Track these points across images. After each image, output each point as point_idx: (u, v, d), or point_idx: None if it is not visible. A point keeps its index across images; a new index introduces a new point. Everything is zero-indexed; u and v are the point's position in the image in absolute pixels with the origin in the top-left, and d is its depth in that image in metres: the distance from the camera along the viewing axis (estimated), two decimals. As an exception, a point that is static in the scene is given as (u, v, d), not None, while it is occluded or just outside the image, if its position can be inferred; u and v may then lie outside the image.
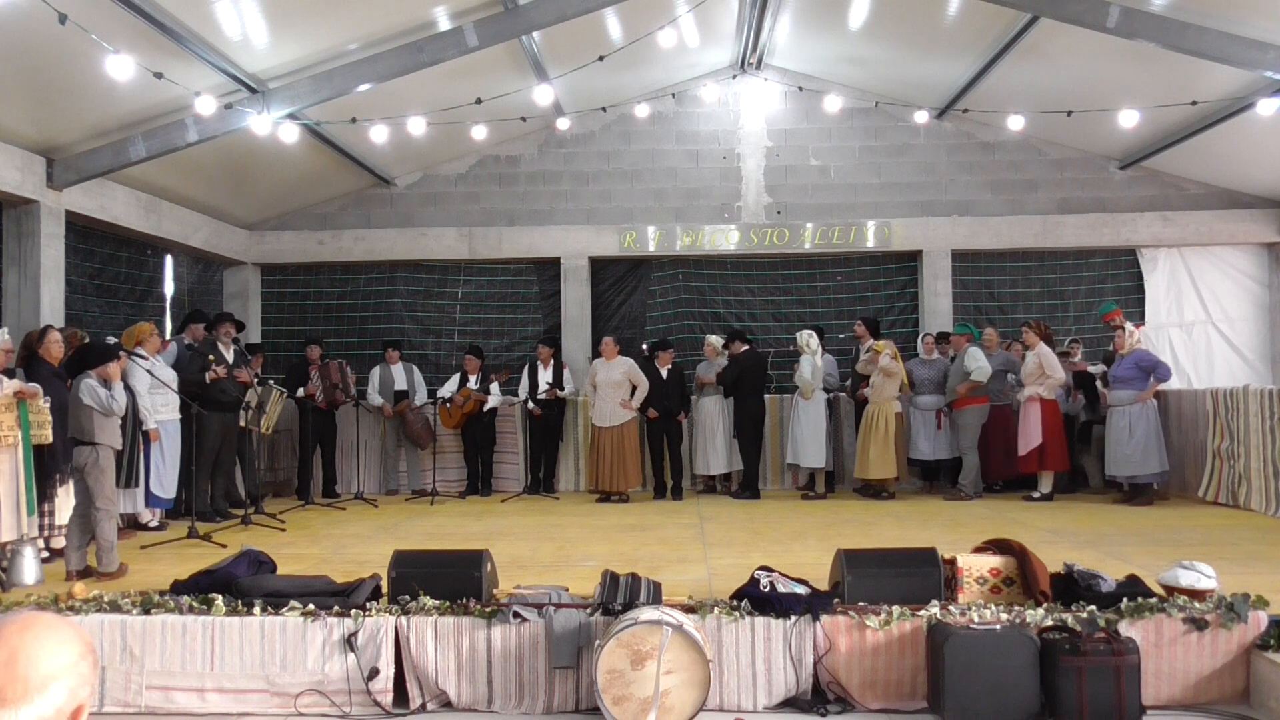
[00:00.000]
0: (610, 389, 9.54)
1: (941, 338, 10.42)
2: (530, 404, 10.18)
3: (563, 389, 10.27)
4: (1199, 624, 4.26)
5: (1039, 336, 9.19)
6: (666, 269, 11.91)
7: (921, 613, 4.34)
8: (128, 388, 6.72)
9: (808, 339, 9.67)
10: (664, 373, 9.85)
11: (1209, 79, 8.64)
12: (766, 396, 10.41)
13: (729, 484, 10.14)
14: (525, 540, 7.10)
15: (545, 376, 10.23)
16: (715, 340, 10.19)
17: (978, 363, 9.23)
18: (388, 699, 4.36)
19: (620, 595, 4.40)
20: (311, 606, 4.49)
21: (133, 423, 6.97)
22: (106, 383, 6.00)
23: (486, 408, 10.19)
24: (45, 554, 6.27)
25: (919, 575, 4.58)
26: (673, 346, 10.20)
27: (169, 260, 10.50)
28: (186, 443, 7.92)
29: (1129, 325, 9.13)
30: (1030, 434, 9.05)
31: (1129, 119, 8.87)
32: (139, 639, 4.44)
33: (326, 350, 10.49)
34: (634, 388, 9.57)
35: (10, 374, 6.13)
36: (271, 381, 9.43)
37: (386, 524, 8.16)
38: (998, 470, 9.53)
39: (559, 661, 4.29)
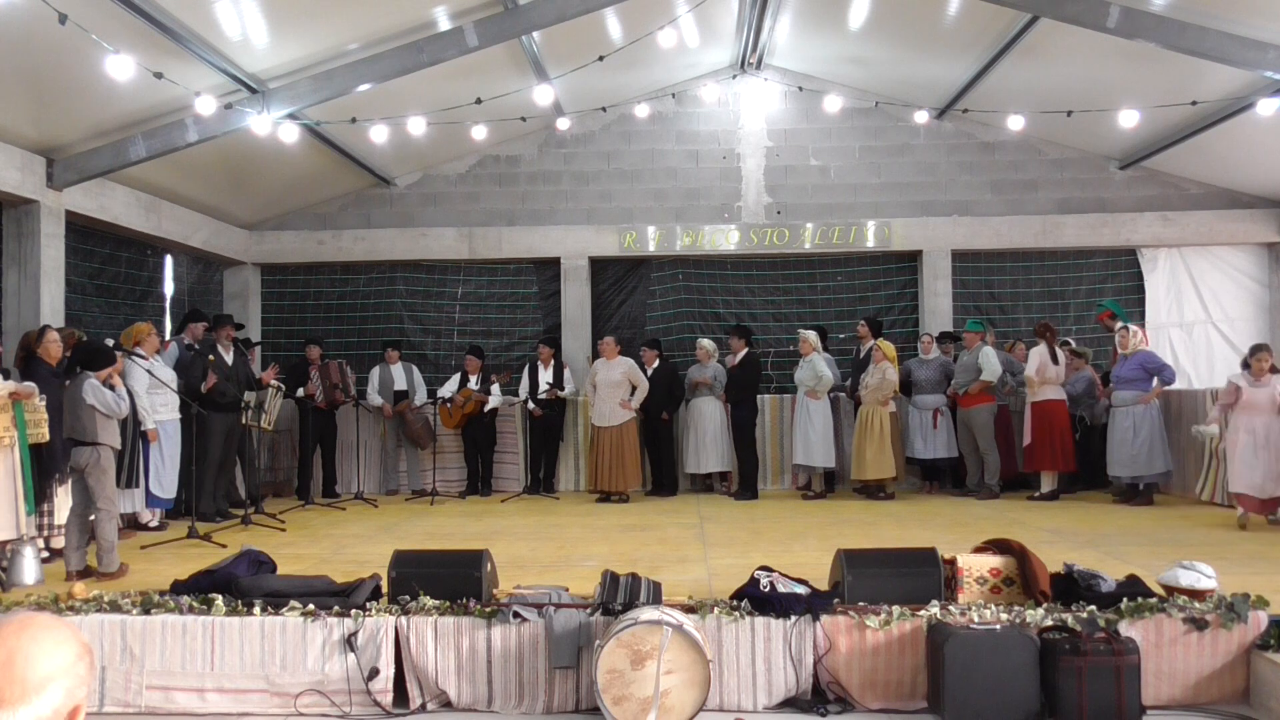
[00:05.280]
0: (610, 389, 9.55)
1: (945, 337, 10.45)
2: (530, 404, 10.18)
3: (563, 389, 10.27)
4: (1199, 624, 4.26)
5: (1047, 337, 9.22)
6: (666, 269, 11.91)
7: (921, 613, 4.34)
8: (126, 387, 6.71)
9: (817, 339, 9.69)
10: (648, 371, 9.86)
11: (1209, 79, 8.64)
12: (766, 396, 10.44)
13: (727, 484, 10.14)
14: (525, 540, 7.10)
15: (545, 376, 10.24)
16: (708, 344, 10.17)
17: (990, 363, 9.26)
18: (388, 699, 4.36)
19: (620, 595, 4.40)
20: (311, 606, 4.49)
21: (132, 423, 6.97)
22: (110, 385, 6.00)
23: (487, 408, 10.20)
24: (45, 554, 6.27)
25: (919, 575, 4.59)
26: (659, 346, 10.22)
27: (169, 260, 10.49)
28: (186, 443, 7.92)
29: (1132, 325, 9.13)
30: (1034, 434, 9.11)
31: (1129, 119, 8.86)
32: (139, 639, 4.44)
33: (326, 350, 10.49)
34: (634, 388, 9.59)
35: (6, 374, 6.13)
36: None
37: (386, 524, 8.16)
38: (1000, 470, 9.52)
39: (559, 661, 4.29)
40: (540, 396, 10.13)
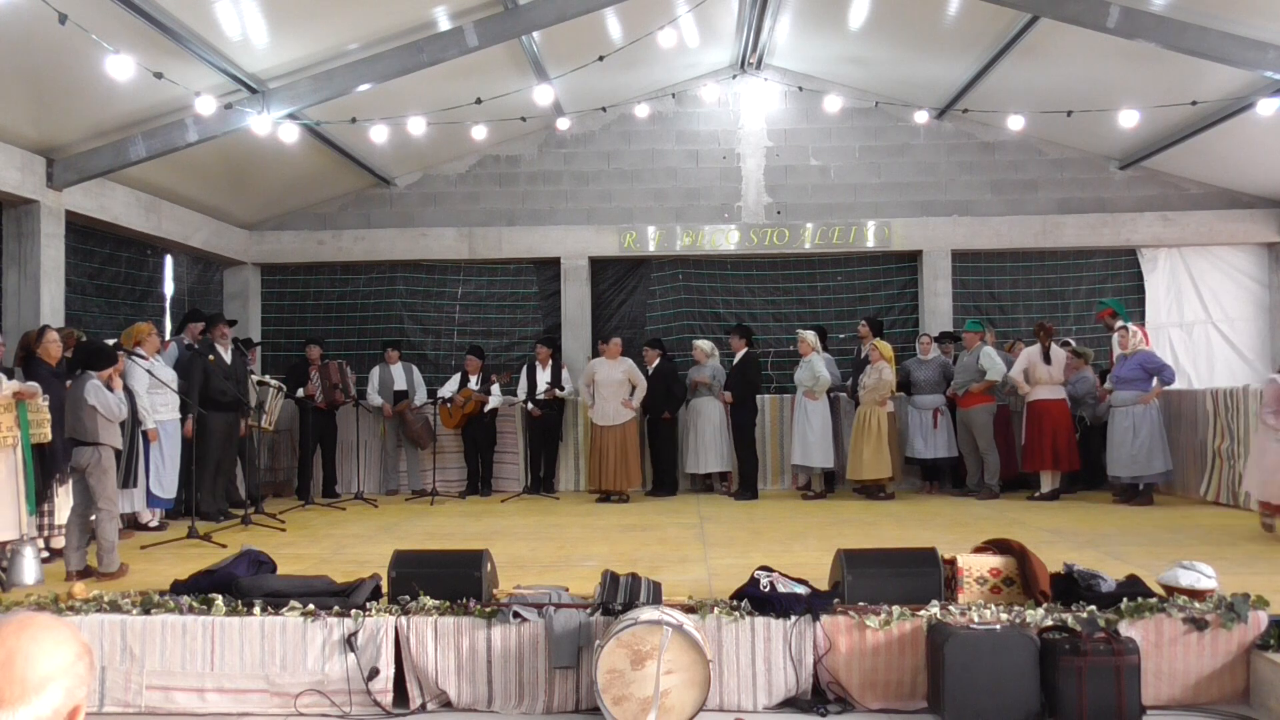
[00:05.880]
0: (612, 388, 9.55)
1: (945, 337, 10.45)
2: (529, 405, 10.17)
3: (562, 389, 10.27)
4: (1199, 624, 4.26)
5: (1041, 336, 9.25)
6: (666, 269, 11.91)
7: (921, 613, 4.34)
8: (126, 388, 6.71)
9: (816, 339, 9.69)
10: (648, 370, 9.88)
11: (1209, 79, 8.64)
12: (766, 396, 10.45)
13: (727, 484, 10.14)
14: (525, 540, 7.10)
15: (544, 377, 10.23)
16: (704, 344, 10.16)
17: (994, 362, 9.27)
18: (388, 699, 4.36)
19: (620, 595, 4.39)
20: (311, 606, 4.49)
21: (131, 423, 6.96)
22: (110, 386, 6.00)
23: (487, 408, 10.20)
24: (45, 554, 6.27)
25: (919, 575, 4.59)
26: (662, 345, 10.22)
27: (169, 260, 10.50)
28: (186, 443, 7.92)
29: (1132, 325, 9.13)
30: (1028, 433, 9.11)
31: (1129, 119, 8.86)
32: (139, 639, 4.44)
33: (326, 350, 10.49)
34: (634, 387, 9.61)
35: (10, 374, 6.14)
36: (269, 378, 9.46)
37: (386, 524, 8.16)
38: (1000, 470, 9.52)
39: (559, 661, 4.29)
40: (539, 397, 10.13)
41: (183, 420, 7.93)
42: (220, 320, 8.90)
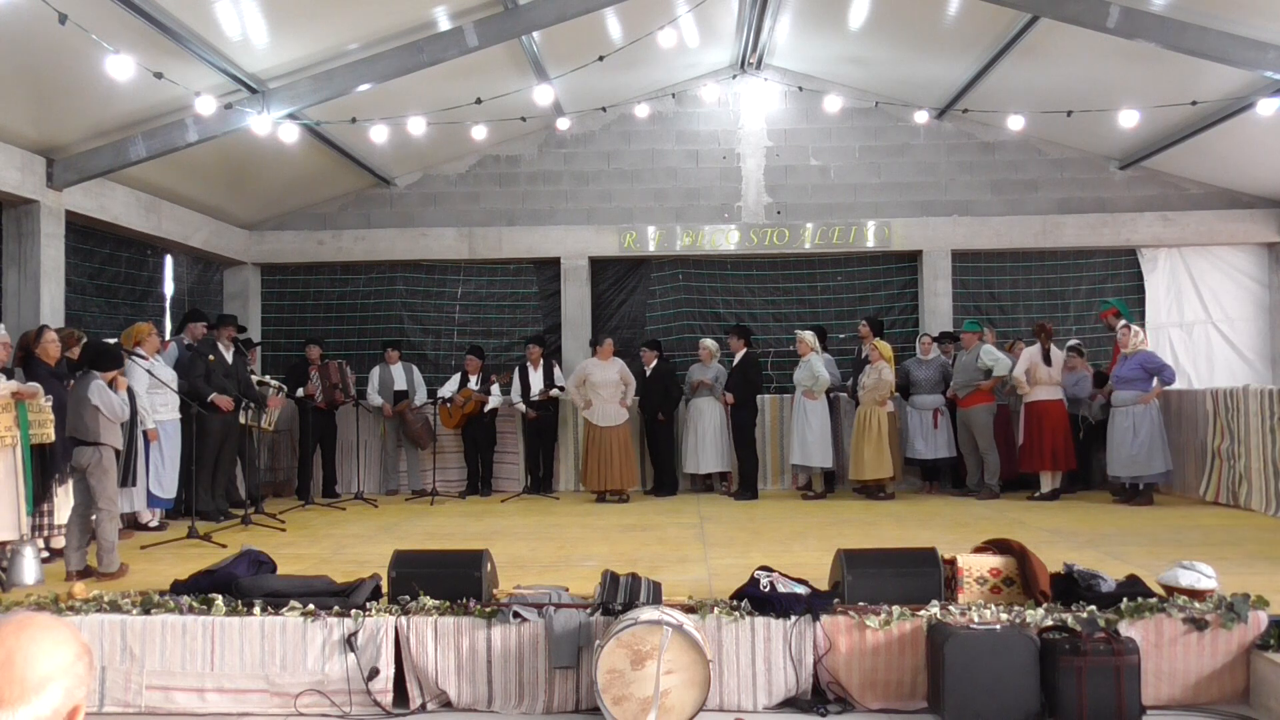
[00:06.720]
0: (609, 389, 9.56)
1: (945, 337, 10.44)
2: (523, 407, 10.16)
3: (561, 389, 10.27)
4: (1199, 624, 4.26)
5: (1041, 337, 9.26)
6: (666, 269, 11.91)
7: (921, 613, 4.34)
8: (128, 388, 6.71)
9: (814, 339, 9.69)
10: (646, 371, 9.87)
11: (1209, 79, 8.63)
12: (766, 396, 10.44)
13: (727, 484, 10.14)
14: (525, 540, 7.10)
15: (536, 377, 10.22)
16: (710, 344, 10.17)
17: (996, 358, 9.28)
18: (388, 699, 4.36)
19: (620, 595, 4.40)
20: (311, 606, 4.49)
21: (131, 422, 6.96)
22: (113, 387, 6.00)
23: (487, 408, 10.20)
24: (45, 554, 6.27)
25: (919, 575, 4.59)
26: (659, 346, 10.22)
27: (169, 260, 10.49)
28: (186, 443, 7.92)
29: (1134, 326, 9.13)
30: (1026, 434, 9.12)
31: (1129, 119, 8.86)
32: (139, 639, 4.44)
33: (326, 350, 10.49)
34: (626, 386, 9.64)
35: (9, 374, 6.13)
36: (269, 378, 9.45)
37: (386, 524, 8.16)
38: (1000, 470, 9.52)
39: (559, 661, 4.30)
40: (534, 399, 10.11)
41: (184, 418, 7.92)
42: (230, 323, 8.91)
